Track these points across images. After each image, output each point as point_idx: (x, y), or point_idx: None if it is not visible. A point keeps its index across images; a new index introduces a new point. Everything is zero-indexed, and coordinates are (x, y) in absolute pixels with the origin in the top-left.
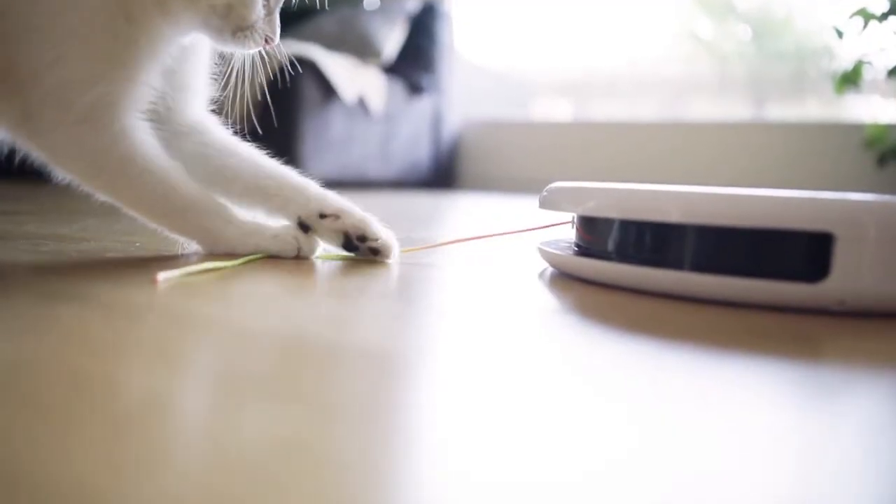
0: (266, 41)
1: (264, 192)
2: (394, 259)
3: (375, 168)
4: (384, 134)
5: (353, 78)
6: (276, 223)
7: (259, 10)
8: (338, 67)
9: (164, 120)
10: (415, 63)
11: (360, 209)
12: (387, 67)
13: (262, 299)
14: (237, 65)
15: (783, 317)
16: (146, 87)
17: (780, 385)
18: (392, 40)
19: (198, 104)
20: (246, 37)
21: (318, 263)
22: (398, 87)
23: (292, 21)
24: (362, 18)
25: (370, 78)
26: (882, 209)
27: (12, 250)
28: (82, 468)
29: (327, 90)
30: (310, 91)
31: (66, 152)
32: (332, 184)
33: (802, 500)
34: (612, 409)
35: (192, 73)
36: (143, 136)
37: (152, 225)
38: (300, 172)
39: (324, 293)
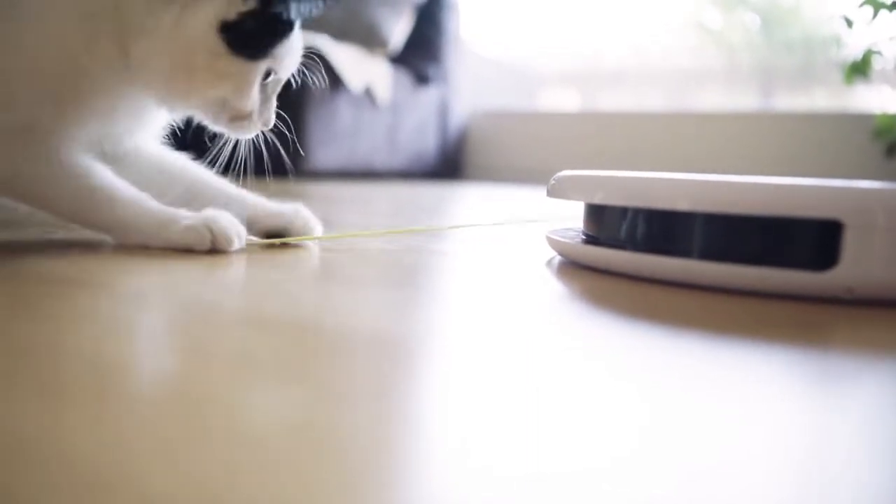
0: (263, 124)
1: (199, 201)
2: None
3: (382, 158)
4: (391, 124)
5: (359, 68)
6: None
7: (255, 101)
8: (345, 57)
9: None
10: (421, 53)
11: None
12: (393, 57)
13: (269, 286)
14: (231, 143)
15: (792, 305)
16: (90, 127)
17: (788, 373)
18: (399, 30)
19: (141, 137)
20: (242, 126)
21: (324, 252)
22: (405, 78)
23: None
24: (369, 8)
25: (377, 68)
26: (891, 197)
27: (24, 236)
28: (95, 449)
29: (334, 80)
30: (316, 81)
31: None
32: (340, 174)
33: (808, 487)
34: (621, 395)
35: (142, 121)
36: (73, 150)
37: (67, 221)
38: (307, 163)
39: (332, 280)
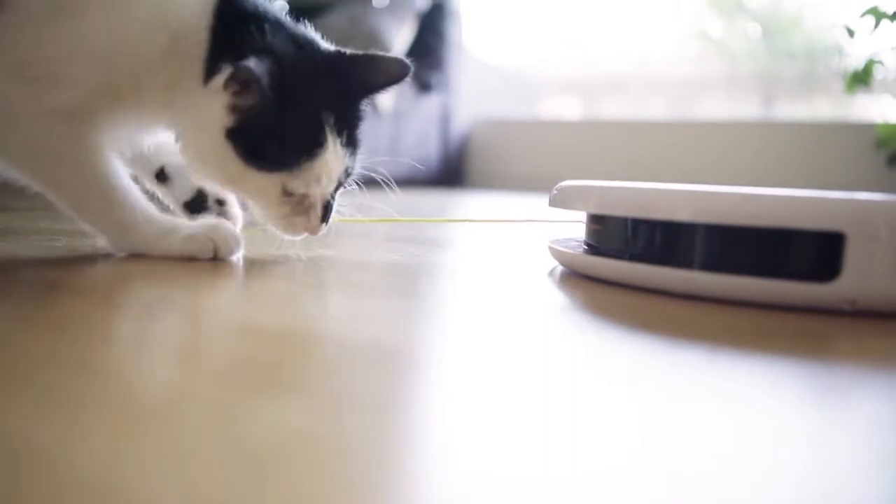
0: (309, 231)
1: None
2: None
3: (384, 166)
4: (393, 132)
5: None
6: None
7: (279, 210)
8: None
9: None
10: (423, 61)
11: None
12: None
13: (273, 295)
14: None
15: (794, 316)
16: (124, 125)
17: (790, 384)
18: (401, 38)
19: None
20: (281, 227)
21: (325, 261)
22: (407, 86)
23: (301, 18)
24: (371, 16)
25: None
26: (893, 209)
27: (26, 245)
28: (96, 460)
29: None
30: None
31: (15, 135)
32: None
33: (807, 496)
34: (622, 406)
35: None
36: (99, 142)
37: (67, 213)
38: None
39: (334, 289)
